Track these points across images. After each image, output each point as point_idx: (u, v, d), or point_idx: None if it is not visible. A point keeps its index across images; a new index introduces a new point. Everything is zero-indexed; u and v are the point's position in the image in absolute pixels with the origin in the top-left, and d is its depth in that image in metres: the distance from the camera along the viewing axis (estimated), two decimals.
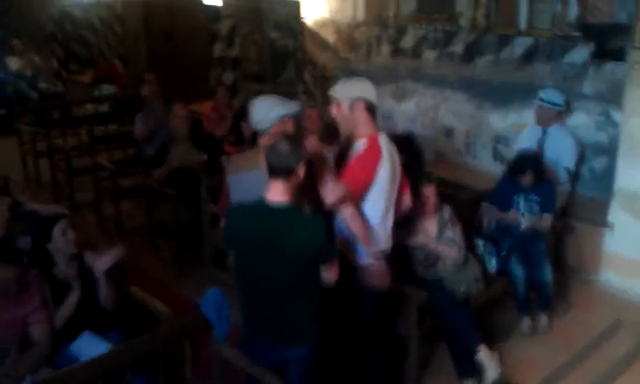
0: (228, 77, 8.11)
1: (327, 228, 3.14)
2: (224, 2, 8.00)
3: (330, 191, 3.35)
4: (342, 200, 3.40)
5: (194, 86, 8.36)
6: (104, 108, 8.92)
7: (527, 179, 4.82)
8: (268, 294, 3.15)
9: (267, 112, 3.52)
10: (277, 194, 3.04)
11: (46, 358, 3.44)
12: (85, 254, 3.89)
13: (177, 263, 5.66)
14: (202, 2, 8.41)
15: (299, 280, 3.10)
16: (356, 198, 3.51)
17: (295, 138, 3.18)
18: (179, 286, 5.40)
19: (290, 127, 3.56)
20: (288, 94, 3.79)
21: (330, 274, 3.14)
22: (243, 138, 5.92)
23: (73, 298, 3.68)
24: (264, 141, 3.52)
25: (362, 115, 3.55)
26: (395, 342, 4.13)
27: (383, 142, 3.59)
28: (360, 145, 3.59)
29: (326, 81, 7.47)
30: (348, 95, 3.56)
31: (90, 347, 3.52)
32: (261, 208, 3.07)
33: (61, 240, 3.69)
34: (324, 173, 3.38)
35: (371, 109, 3.57)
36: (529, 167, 4.83)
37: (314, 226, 3.05)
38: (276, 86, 7.25)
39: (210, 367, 3.57)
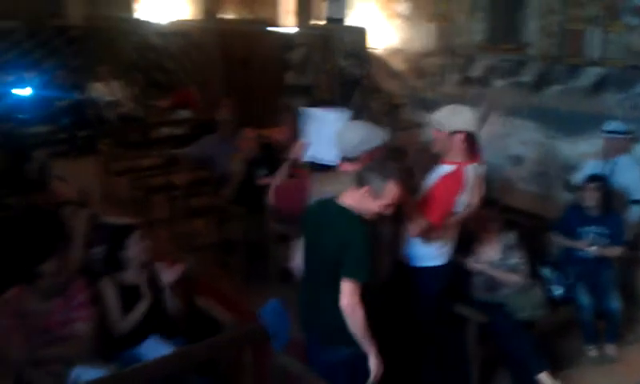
0: (298, 104, 8.28)
1: (365, 247, 3.17)
2: (297, 31, 8.22)
3: (415, 225, 3.47)
4: (425, 232, 3.49)
5: (266, 113, 8.57)
6: (179, 131, 9.25)
7: (593, 197, 4.75)
8: (312, 289, 3.29)
9: (359, 143, 3.54)
10: (347, 197, 3.19)
11: (87, 352, 3.61)
12: (155, 264, 4.08)
13: (243, 279, 5.81)
14: (276, 31, 8.67)
15: (333, 275, 3.15)
16: (439, 228, 3.59)
17: (386, 166, 3.28)
18: (245, 302, 5.54)
19: (377, 156, 3.57)
20: (355, 121, 3.89)
21: (344, 298, 3.11)
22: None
23: (142, 306, 3.86)
24: (347, 167, 3.57)
25: (459, 145, 3.66)
26: (455, 366, 4.13)
27: (470, 172, 3.69)
28: (445, 169, 3.70)
29: (393, 108, 7.56)
30: (450, 126, 3.67)
31: (154, 351, 3.68)
32: (324, 204, 3.26)
33: (134, 248, 3.89)
34: (409, 208, 3.49)
35: (470, 139, 3.68)
36: (597, 181, 4.79)
37: (352, 230, 3.13)
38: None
39: (269, 376, 3.68)
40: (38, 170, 6.70)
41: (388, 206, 3.19)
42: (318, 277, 3.25)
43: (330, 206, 3.25)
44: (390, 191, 3.17)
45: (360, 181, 3.18)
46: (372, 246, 3.21)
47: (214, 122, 7.67)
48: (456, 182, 3.67)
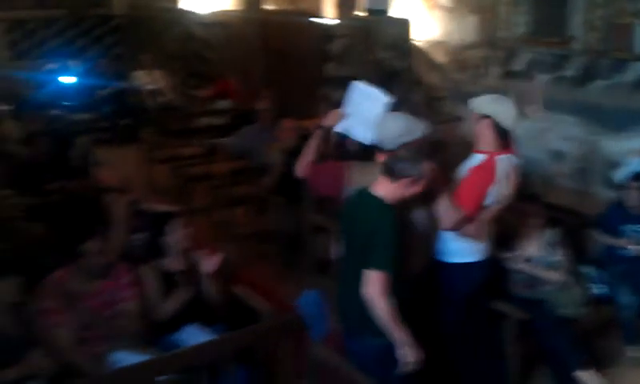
0: (338, 95, 8.28)
1: (391, 236, 3.17)
2: (338, 22, 8.21)
3: (447, 217, 3.46)
4: (458, 224, 3.47)
5: (305, 104, 8.59)
6: (219, 121, 9.32)
7: (637, 195, 4.67)
8: (346, 279, 3.32)
9: (399, 135, 3.51)
10: (379, 187, 3.21)
11: (129, 335, 3.68)
12: (195, 252, 4.14)
13: (281, 269, 5.85)
14: (317, 22, 8.67)
15: (362, 265, 3.17)
16: (472, 220, 3.57)
17: (418, 153, 3.29)
18: (282, 292, 5.57)
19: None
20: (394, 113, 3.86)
21: (368, 288, 3.12)
22: (349, 153, 6.07)
23: (182, 293, 3.92)
24: (381, 157, 3.53)
25: (486, 132, 3.65)
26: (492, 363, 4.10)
27: (503, 163, 3.65)
28: (476, 159, 3.68)
29: (433, 101, 7.50)
30: (479, 109, 3.70)
31: (194, 338, 3.73)
32: (359, 194, 3.29)
33: (175, 235, 3.95)
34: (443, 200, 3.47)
35: (498, 128, 3.64)
36: None
37: (380, 220, 3.15)
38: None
39: (306, 367, 3.70)
40: (81, 157, 6.84)
41: (417, 192, 3.23)
42: (351, 267, 3.27)
43: (363, 196, 3.29)
44: (419, 179, 3.18)
45: (390, 170, 3.18)
46: (404, 237, 3.22)
47: (253, 112, 7.71)
48: (487, 172, 3.64)
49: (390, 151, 3.50)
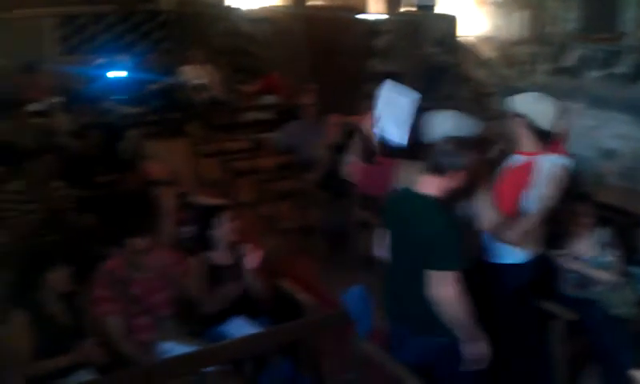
0: None
1: (454, 235, 3.13)
2: (384, 18, 8.18)
3: (486, 218, 3.42)
4: (497, 228, 3.42)
5: (351, 100, 8.58)
6: (265, 116, 9.38)
7: None
8: (404, 281, 3.25)
9: (448, 134, 3.40)
10: (425, 186, 3.15)
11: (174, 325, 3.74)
12: (242, 245, 4.18)
13: (325, 265, 5.86)
14: (363, 18, 8.65)
15: (422, 268, 3.12)
16: (509, 224, 3.50)
17: (463, 143, 3.24)
18: (325, 287, 5.59)
19: None
20: (442, 110, 3.83)
21: (440, 289, 3.06)
22: (395, 150, 6.05)
23: (230, 287, 3.97)
24: None
25: (521, 132, 3.57)
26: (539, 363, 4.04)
27: (544, 164, 3.53)
28: (516, 160, 3.60)
29: (481, 98, 7.42)
30: (515, 108, 3.60)
31: (239, 330, 3.78)
32: (406, 194, 3.23)
33: (223, 228, 3.99)
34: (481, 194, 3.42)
35: (533, 128, 3.54)
36: None
37: (437, 220, 3.10)
38: (430, 102, 7.30)
39: (350, 362, 3.71)
40: (131, 150, 6.96)
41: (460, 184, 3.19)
42: (407, 268, 3.23)
43: (411, 196, 3.22)
44: (464, 171, 3.15)
45: (435, 165, 3.14)
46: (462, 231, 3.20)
47: (298, 107, 7.74)
48: (523, 174, 3.53)
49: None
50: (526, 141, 3.58)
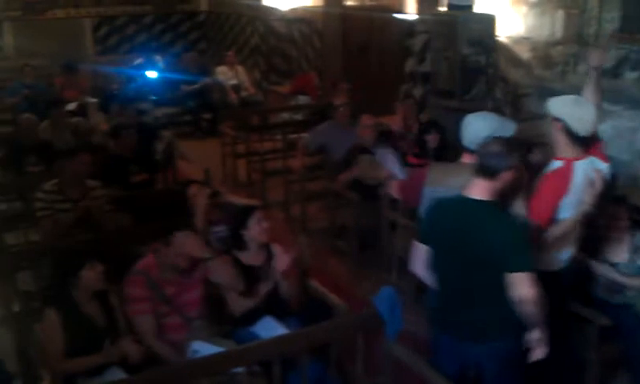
0: (417, 92, 8.22)
1: (524, 236, 3.09)
2: (419, 18, 8.13)
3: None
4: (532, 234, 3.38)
5: (385, 100, 8.56)
6: (298, 116, 9.40)
7: None
8: (457, 289, 3.19)
9: (487, 136, 3.32)
10: (478, 191, 3.09)
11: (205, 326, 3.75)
12: (272, 245, 4.19)
13: (355, 266, 5.85)
14: (398, 18, 8.62)
15: (487, 277, 3.08)
16: (545, 226, 3.45)
17: (509, 143, 3.19)
18: (355, 288, 5.58)
19: None
20: (477, 110, 3.81)
21: (522, 290, 3.01)
22: (427, 151, 6.02)
23: (261, 287, 3.98)
24: (469, 158, 3.48)
25: (558, 136, 3.49)
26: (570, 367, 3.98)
27: (582, 170, 3.46)
28: (553, 166, 3.54)
29: (517, 99, 7.33)
30: (551, 112, 3.53)
31: (269, 331, 3.78)
32: (459, 202, 3.14)
33: (255, 229, 4.00)
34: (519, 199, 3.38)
35: (570, 133, 3.45)
36: None
37: (504, 224, 3.05)
38: (465, 103, 7.24)
39: (380, 365, 3.69)
40: (165, 150, 7.03)
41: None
42: (464, 280, 3.14)
43: (468, 204, 3.11)
44: (513, 174, 3.11)
45: (486, 169, 3.08)
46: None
47: (331, 107, 7.74)
48: (560, 181, 3.45)
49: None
50: (564, 146, 3.50)
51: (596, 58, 3.76)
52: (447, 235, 3.16)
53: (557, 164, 3.53)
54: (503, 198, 3.19)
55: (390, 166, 4.81)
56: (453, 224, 3.15)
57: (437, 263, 3.27)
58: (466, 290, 3.16)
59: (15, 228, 5.58)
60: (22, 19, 12.63)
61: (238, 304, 3.91)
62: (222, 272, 3.88)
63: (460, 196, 3.14)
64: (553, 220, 3.46)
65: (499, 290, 3.06)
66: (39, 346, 3.39)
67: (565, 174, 3.47)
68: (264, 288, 3.99)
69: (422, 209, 3.62)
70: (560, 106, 3.50)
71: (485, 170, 3.06)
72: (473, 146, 3.41)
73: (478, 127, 3.46)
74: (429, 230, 3.28)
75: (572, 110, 3.47)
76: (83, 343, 3.49)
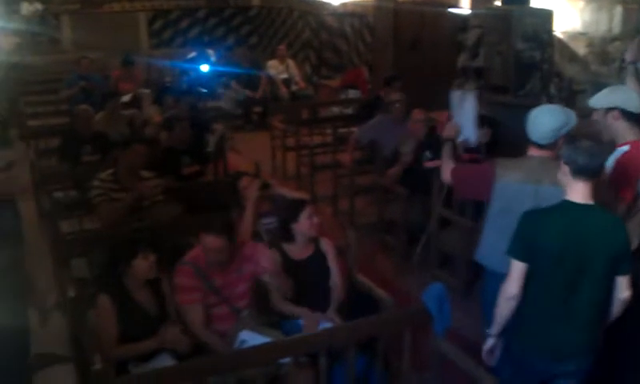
0: (470, 87, 8.12)
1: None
2: (473, 12, 8.03)
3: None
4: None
5: (436, 95, 8.48)
6: (348, 110, 9.40)
7: None
8: (560, 305, 3.02)
9: (558, 128, 3.37)
10: (583, 195, 2.98)
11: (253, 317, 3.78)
12: (321, 239, 4.20)
13: (402, 261, 5.82)
14: (450, 12, 8.53)
15: (596, 289, 2.98)
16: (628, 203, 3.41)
17: (598, 137, 3.18)
18: (402, 283, 5.56)
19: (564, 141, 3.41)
20: (530, 106, 3.77)
21: (624, 292, 2.98)
22: (479, 146, 5.94)
23: (308, 279, 3.99)
24: (536, 152, 3.46)
25: (616, 124, 3.50)
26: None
27: None
28: (618, 152, 3.50)
29: (572, 95, 7.17)
30: (602, 104, 3.54)
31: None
32: (568, 209, 2.99)
33: (305, 223, 4.01)
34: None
35: (626, 115, 3.48)
36: None
37: (618, 228, 2.97)
38: (518, 98, 7.12)
39: (427, 361, 3.67)
40: (217, 143, 7.11)
41: None
42: (576, 290, 2.99)
43: (575, 211, 2.97)
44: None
45: (591, 170, 2.95)
46: None
47: (381, 102, 7.71)
48: (632, 161, 3.42)
49: (546, 146, 3.39)
50: (624, 131, 3.51)
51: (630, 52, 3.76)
52: (559, 248, 2.95)
53: (623, 149, 3.50)
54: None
55: (466, 122, 4.28)
56: (566, 235, 2.96)
57: (539, 279, 3.04)
58: (571, 304, 3.01)
59: (70, 216, 5.73)
60: (79, 13, 12.95)
61: (284, 307, 3.92)
62: (270, 264, 3.89)
63: (566, 203, 2.99)
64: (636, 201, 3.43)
65: (602, 304, 3.03)
66: (92, 332, 3.47)
67: (636, 155, 3.44)
68: (309, 279, 3.99)
69: (495, 206, 3.56)
70: (609, 96, 3.55)
71: (589, 171, 2.95)
72: (544, 141, 3.40)
73: (547, 121, 3.40)
74: (532, 244, 3.00)
75: (620, 95, 3.55)
76: (135, 330, 3.57)
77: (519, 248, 3.04)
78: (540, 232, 2.98)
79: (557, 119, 3.39)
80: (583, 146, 2.94)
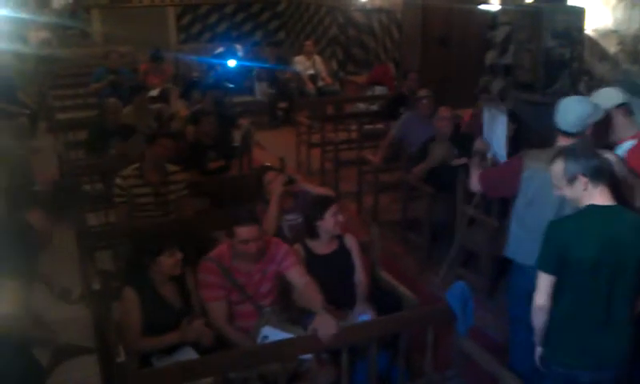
0: (498, 84, 8.05)
1: None
2: (502, 8, 7.95)
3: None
4: None
5: (463, 92, 8.42)
6: (374, 107, 9.36)
7: None
8: (598, 313, 2.97)
9: (587, 117, 3.45)
10: (607, 197, 2.98)
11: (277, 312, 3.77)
12: (345, 236, 4.19)
13: (426, 259, 5.79)
14: (479, 9, 8.44)
15: (633, 288, 2.97)
16: None
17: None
18: (425, 281, 5.53)
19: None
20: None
21: None
22: None
23: (331, 276, 3.98)
24: (564, 141, 3.47)
25: (622, 120, 3.73)
26: None
27: None
28: (626, 147, 3.63)
29: None
30: (614, 103, 3.73)
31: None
32: (597, 214, 2.95)
33: (330, 221, 4.00)
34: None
35: (630, 112, 3.74)
36: None
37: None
38: (547, 97, 7.04)
39: (449, 360, 3.65)
40: (242, 138, 7.13)
41: None
42: (611, 295, 2.95)
43: (603, 215, 2.95)
44: None
45: (611, 173, 3.02)
46: None
47: (407, 99, 7.67)
48: None
49: (574, 134, 3.43)
50: (626, 126, 3.74)
51: None
52: (595, 256, 2.90)
53: (629, 143, 3.66)
54: None
55: (496, 142, 4.39)
56: (601, 242, 2.91)
57: (576, 291, 2.98)
58: (610, 311, 2.97)
59: (97, 209, 5.79)
60: (109, 7, 13.07)
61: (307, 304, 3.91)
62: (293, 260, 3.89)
63: (592, 208, 2.95)
64: None
65: (633, 306, 3.02)
66: (117, 324, 3.50)
67: None
68: (332, 277, 3.98)
69: (522, 196, 3.58)
70: (618, 95, 3.78)
71: (604, 171, 2.99)
72: (572, 129, 3.46)
73: (575, 108, 3.48)
74: (564, 255, 2.93)
75: (624, 94, 3.81)
76: (159, 323, 3.59)
77: (549, 261, 2.97)
78: (573, 242, 2.92)
79: (585, 107, 3.47)
80: (584, 150, 2.99)
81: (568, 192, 3.00)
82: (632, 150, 3.60)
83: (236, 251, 3.73)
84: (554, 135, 3.58)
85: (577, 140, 3.40)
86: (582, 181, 2.93)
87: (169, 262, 3.63)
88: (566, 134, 3.48)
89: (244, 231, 3.66)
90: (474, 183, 4.01)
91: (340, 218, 4.04)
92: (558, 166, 3.00)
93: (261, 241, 3.72)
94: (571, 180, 2.95)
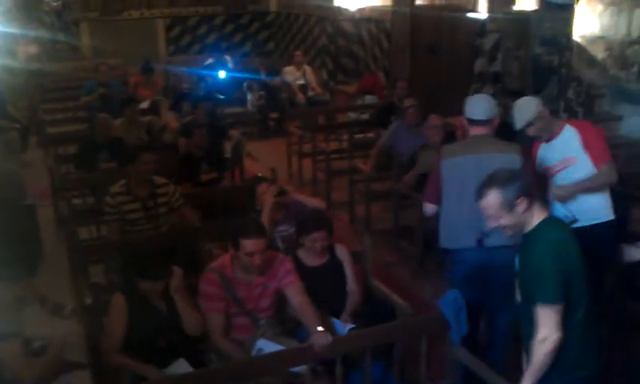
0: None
1: None
2: (490, 16, 7.99)
3: None
4: None
5: (453, 100, 8.44)
6: (365, 116, 9.36)
7: None
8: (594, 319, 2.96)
9: (489, 107, 3.89)
10: (543, 208, 3.00)
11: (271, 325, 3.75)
12: (336, 246, 4.18)
13: (418, 267, 5.79)
14: (468, 17, 8.48)
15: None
16: None
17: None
18: (417, 289, 5.53)
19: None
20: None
21: None
22: None
23: (324, 288, 3.96)
24: (474, 130, 3.91)
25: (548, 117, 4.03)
26: None
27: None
28: (568, 133, 3.99)
29: (591, 99, 7.11)
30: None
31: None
32: (558, 224, 3.00)
33: (321, 233, 3.98)
34: None
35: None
36: None
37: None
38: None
39: (442, 369, 3.64)
40: (234, 149, 7.13)
41: None
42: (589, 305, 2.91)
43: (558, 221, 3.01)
44: None
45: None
46: None
47: (397, 107, 7.68)
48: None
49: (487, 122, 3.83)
50: (555, 121, 4.14)
51: None
52: (582, 262, 2.87)
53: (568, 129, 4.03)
54: None
55: None
56: (579, 247, 2.89)
57: (579, 306, 2.86)
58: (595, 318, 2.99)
59: (87, 223, 5.76)
60: (98, 20, 13.06)
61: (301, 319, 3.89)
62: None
63: (550, 219, 2.94)
64: None
65: None
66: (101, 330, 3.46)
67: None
68: (325, 289, 3.96)
69: (446, 185, 3.89)
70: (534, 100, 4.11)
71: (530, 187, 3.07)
72: (482, 117, 3.89)
73: (481, 100, 4.03)
74: (568, 276, 2.80)
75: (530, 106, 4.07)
76: (146, 330, 3.54)
77: (558, 290, 2.76)
78: (570, 260, 2.82)
79: (489, 98, 4.02)
80: (505, 172, 2.94)
81: (507, 220, 2.84)
82: (580, 128, 4.00)
83: (239, 263, 3.66)
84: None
85: (486, 128, 3.83)
86: (523, 203, 2.80)
87: (149, 288, 3.60)
88: (476, 122, 3.87)
89: (250, 244, 3.56)
90: (425, 207, 4.15)
91: (318, 246, 3.99)
92: (494, 198, 2.82)
93: (264, 254, 3.67)
94: (512, 207, 2.81)
